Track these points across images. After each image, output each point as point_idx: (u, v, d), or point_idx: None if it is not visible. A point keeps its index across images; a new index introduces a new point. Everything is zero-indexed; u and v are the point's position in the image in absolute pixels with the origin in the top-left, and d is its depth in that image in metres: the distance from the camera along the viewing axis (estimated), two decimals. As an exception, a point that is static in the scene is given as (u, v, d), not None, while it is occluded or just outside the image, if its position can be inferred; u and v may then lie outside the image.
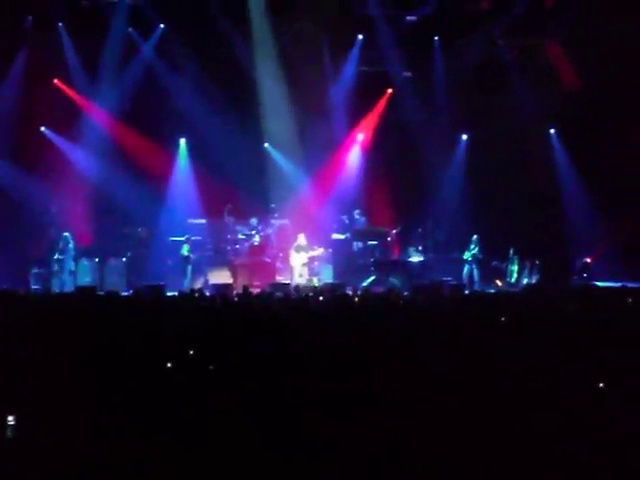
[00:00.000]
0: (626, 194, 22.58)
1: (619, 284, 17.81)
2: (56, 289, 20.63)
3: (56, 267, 21.30)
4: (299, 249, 21.96)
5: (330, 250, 22.86)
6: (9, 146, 22.44)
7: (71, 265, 21.49)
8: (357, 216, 23.50)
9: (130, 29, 23.37)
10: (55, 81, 23.17)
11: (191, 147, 23.95)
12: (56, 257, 21.24)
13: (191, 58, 23.47)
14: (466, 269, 22.01)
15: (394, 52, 24.27)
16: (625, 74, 22.29)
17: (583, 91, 23.39)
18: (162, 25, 23.40)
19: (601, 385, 7.29)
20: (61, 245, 21.34)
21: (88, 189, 23.05)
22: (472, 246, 21.99)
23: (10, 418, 6.28)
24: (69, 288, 20.63)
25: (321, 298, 14.62)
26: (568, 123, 23.52)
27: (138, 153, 23.22)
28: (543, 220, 23.31)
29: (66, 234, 21.48)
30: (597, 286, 18.59)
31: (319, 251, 22.15)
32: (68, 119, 23.21)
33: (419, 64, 24.59)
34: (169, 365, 7.77)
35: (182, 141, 24.02)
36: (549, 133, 24.35)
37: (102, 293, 18.11)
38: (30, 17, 22.60)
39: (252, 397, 6.72)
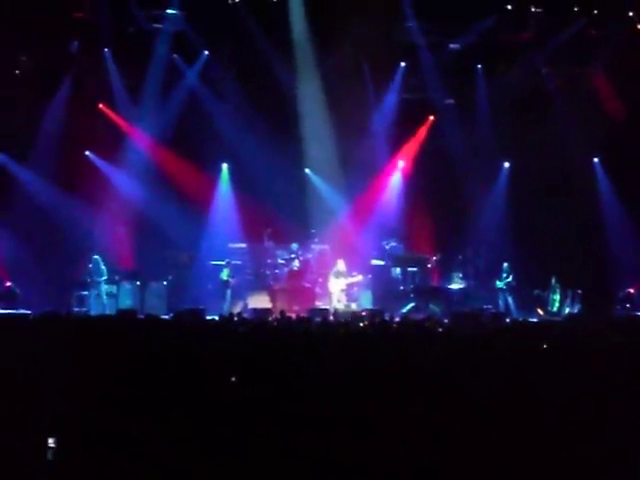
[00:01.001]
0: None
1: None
2: (95, 312, 20.79)
3: (94, 290, 21.55)
4: (338, 275, 21.94)
5: (369, 276, 22.81)
6: (54, 169, 22.73)
7: (104, 288, 21.71)
8: (399, 242, 23.44)
9: (175, 55, 23.62)
10: (100, 105, 23.46)
11: (233, 172, 24.09)
12: (88, 280, 21.47)
13: (234, 84, 23.68)
14: (501, 298, 21.89)
15: (437, 79, 24.26)
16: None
17: (627, 120, 23.22)
18: (206, 52, 23.62)
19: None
20: (92, 268, 21.58)
21: (130, 213, 23.27)
22: (504, 275, 21.87)
23: (51, 440, 6.31)
24: (109, 311, 20.79)
25: (361, 324, 14.58)
26: (612, 152, 23.35)
27: (180, 178, 23.42)
28: (586, 249, 23.09)
29: (96, 257, 21.72)
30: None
31: (358, 278, 22.13)
32: (112, 143, 23.51)
33: (462, 92, 24.55)
34: (206, 391, 7.77)
35: (224, 166, 24.18)
36: (593, 162, 24.15)
37: (142, 316, 18.20)
38: (76, 42, 22.93)
39: (290, 422, 6.69)
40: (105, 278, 21.85)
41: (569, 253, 22.99)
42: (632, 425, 7.04)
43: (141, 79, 23.40)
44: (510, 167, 24.36)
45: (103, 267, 21.82)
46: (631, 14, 22.88)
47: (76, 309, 21.00)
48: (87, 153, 23.36)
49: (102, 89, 23.40)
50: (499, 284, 21.96)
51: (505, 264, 21.96)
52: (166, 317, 18.72)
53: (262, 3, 22.87)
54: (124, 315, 17.69)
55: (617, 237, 23.31)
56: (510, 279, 21.85)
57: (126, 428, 6.51)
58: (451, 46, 24.10)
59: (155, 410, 7.00)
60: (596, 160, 24.11)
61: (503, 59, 23.63)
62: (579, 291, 21.95)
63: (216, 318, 16.40)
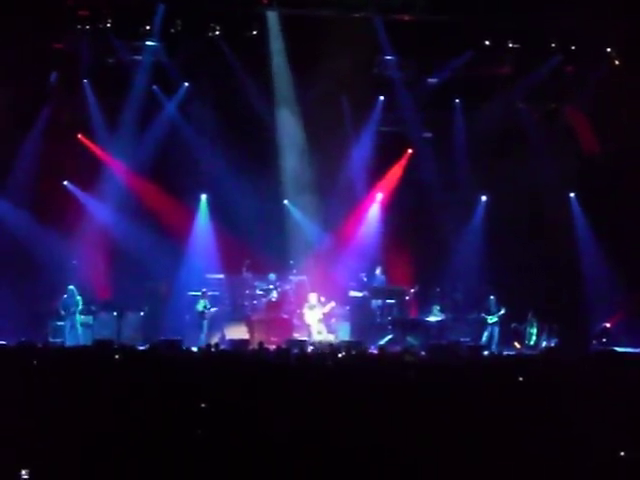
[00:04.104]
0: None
1: (638, 350, 17.65)
2: (70, 342, 20.65)
3: (69, 321, 21.44)
4: (312, 307, 21.93)
5: (348, 307, 22.82)
6: (32, 199, 22.63)
7: (79, 318, 21.60)
8: (378, 274, 23.51)
9: (154, 86, 23.66)
10: (79, 136, 23.44)
11: (211, 203, 24.09)
12: (62, 311, 21.37)
13: (213, 115, 23.72)
14: (488, 331, 21.90)
15: (415, 113, 24.46)
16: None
17: (603, 156, 23.47)
18: (186, 83, 23.69)
19: (622, 453, 7.20)
20: (67, 299, 21.49)
21: (108, 243, 23.20)
22: (494, 309, 21.89)
23: (24, 472, 6.26)
24: (84, 341, 20.65)
25: (339, 355, 14.57)
26: (588, 188, 23.57)
27: (159, 208, 23.42)
28: (562, 283, 23.24)
29: (71, 287, 21.63)
30: (616, 351, 18.40)
31: (331, 305, 22.00)
32: (91, 174, 23.45)
33: (439, 125, 24.75)
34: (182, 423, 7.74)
35: (203, 197, 24.18)
36: (569, 197, 24.34)
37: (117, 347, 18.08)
38: (55, 73, 22.95)
39: (265, 453, 6.67)
40: (80, 308, 21.72)
41: (546, 287, 23.13)
42: (609, 460, 7.07)
43: (120, 110, 23.40)
44: (487, 200, 24.52)
45: (78, 297, 21.70)
46: (609, 50, 23.15)
47: (51, 340, 20.84)
48: (65, 183, 23.30)
49: (81, 120, 23.37)
50: (492, 318, 21.92)
51: (491, 297, 21.99)
52: (142, 348, 18.60)
53: (241, 36, 22.99)
54: (100, 345, 17.58)
55: (593, 271, 23.45)
56: (503, 312, 21.89)
57: (102, 458, 6.47)
58: (429, 80, 24.32)
59: (131, 439, 6.97)
60: (572, 195, 24.30)
61: (480, 94, 23.81)
62: (556, 325, 22.03)
63: (193, 349, 16.35)
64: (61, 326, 21.58)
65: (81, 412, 7.82)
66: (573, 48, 23.28)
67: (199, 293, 22.11)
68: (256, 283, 23.06)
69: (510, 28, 23.05)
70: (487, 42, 23.25)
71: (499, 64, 23.82)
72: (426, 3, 22.33)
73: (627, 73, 22.67)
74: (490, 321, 21.92)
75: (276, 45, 23.17)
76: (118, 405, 8.16)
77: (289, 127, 23.97)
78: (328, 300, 22.14)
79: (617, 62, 23.15)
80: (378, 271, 23.60)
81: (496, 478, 6.34)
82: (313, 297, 22.05)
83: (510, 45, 23.27)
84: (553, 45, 23.25)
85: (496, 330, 21.94)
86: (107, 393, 8.79)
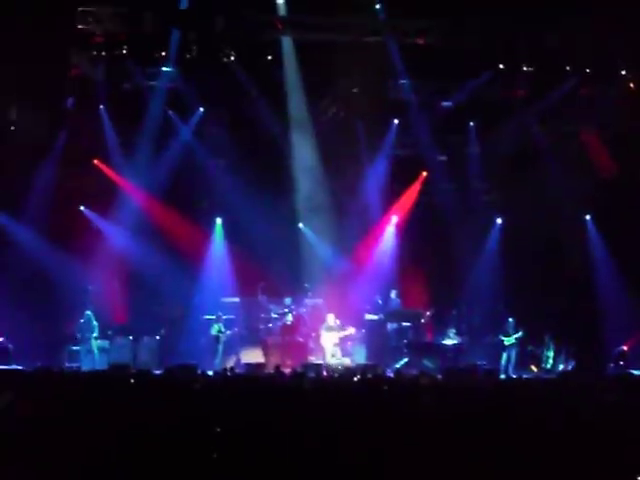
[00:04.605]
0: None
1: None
2: (86, 367, 20.67)
3: (85, 345, 21.49)
4: (329, 329, 21.92)
5: (363, 331, 22.79)
6: (49, 225, 22.73)
7: (95, 343, 21.65)
8: (393, 297, 23.48)
9: (170, 111, 23.80)
10: (95, 161, 23.57)
11: (227, 226, 24.15)
12: (79, 336, 21.42)
13: (228, 140, 23.84)
14: (506, 354, 21.79)
15: (429, 136, 24.48)
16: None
17: (619, 178, 23.42)
18: (201, 109, 23.81)
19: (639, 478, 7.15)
20: (83, 324, 21.56)
21: (124, 268, 23.27)
22: (512, 331, 21.78)
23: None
24: (100, 366, 20.67)
25: (355, 379, 14.53)
26: (604, 209, 23.50)
27: (174, 232, 23.48)
28: (579, 306, 23.13)
29: (88, 312, 21.70)
30: (634, 375, 18.27)
31: (350, 330, 22.07)
32: (107, 199, 23.56)
33: (454, 148, 24.78)
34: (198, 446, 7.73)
35: (218, 220, 24.24)
36: (585, 219, 24.28)
37: (133, 371, 18.09)
38: (72, 98, 23.12)
39: (280, 477, 6.66)
40: (96, 335, 21.79)
41: (562, 310, 23.04)
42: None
43: (136, 135, 23.54)
44: (502, 223, 24.47)
45: (95, 323, 21.78)
46: (623, 72, 23.16)
47: (68, 364, 20.89)
48: (81, 208, 23.42)
49: (97, 145, 23.51)
50: (509, 340, 21.83)
51: (510, 319, 21.90)
52: (158, 372, 18.59)
53: (256, 61, 23.12)
54: (116, 370, 17.60)
55: (610, 294, 23.33)
56: (520, 334, 21.78)
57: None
58: (443, 104, 24.36)
59: (147, 463, 6.97)
60: (588, 217, 24.24)
61: (495, 117, 23.83)
62: (573, 348, 21.91)
63: (209, 373, 16.32)
64: (77, 351, 21.63)
65: (97, 437, 7.82)
66: (588, 71, 23.31)
67: (214, 317, 22.12)
68: (271, 306, 23.07)
69: (525, 52, 23.09)
70: (501, 65, 23.29)
71: (514, 87, 23.86)
72: (440, 29, 22.43)
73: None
74: (507, 343, 21.81)
75: (290, 70, 23.29)
76: (133, 430, 8.16)
77: (304, 151, 24.05)
78: (346, 324, 22.14)
79: (632, 85, 23.15)
80: (393, 294, 23.57)
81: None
82: (331, 318, 22.03)
83: (525, 68, 23.31)
84: (568, 68, 23.29)
85: (513, 353, 21.84)
86: (123, 418, 8.80)
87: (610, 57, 22.97)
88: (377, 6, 22.54)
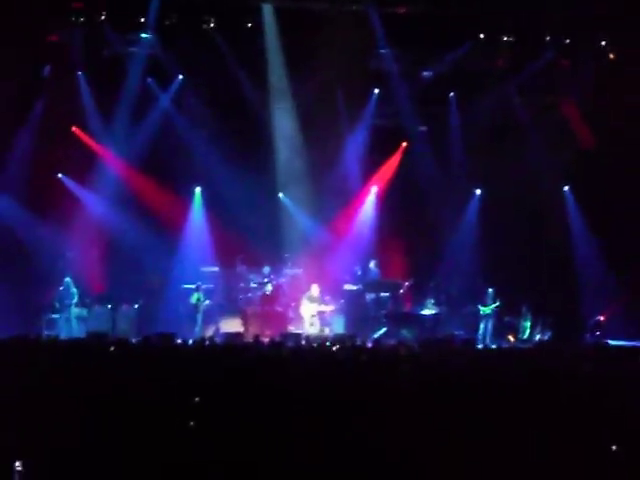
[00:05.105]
0: (640, 252, 22.53)
1: (631, 343, 17.67)
2: (65, 335, 20.62)
3: (64, 313, 21.43)
4: (311, 299, 21.94)
5: (342, 301, 22.83)
6: (25, 192, 22.57)
7: (74, 311, 21.60)
8: (372, 267, 23.53)
9: (149, 79, 23.61)
10: (73, 129, 23.38)
11: (206, 196, 24.08)
12: (58, 304, 21.35)
13: (208, 108, 23.71)
14: (483, 324, 21.93)
15: (410, 106, 24.42)
16: (640, 134, 22.37)
17: (598, 149, 23.48)
18: (180, 76, 23.64)
19: (614, 447, 7.21)
20: (62, 291, 21.49)
21: (103, 236, 23.18)
22: (490, 301, 21.91)
23: (17, 464, 6.26)
24: (78, 334, 20.63)
25: (334, 348, 14.57)
26: (583, 181, 23.59)
27: (153, 201, 23.40)
28: (556, 277, 23.29)
29: (67, 279, 21.62)
30: (609, 345, 18.42)
31: (330, 307, 22.11)
32: (85, 166, 23.40)
33: (435, 119, 24.75)
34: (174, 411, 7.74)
35: (197, 189, 24.15)
36: (563, 190, 24.37)
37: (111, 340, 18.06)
38: (49, 65, 22.87)
39: (259, 447, 6.68)
40: (75, 301, 21.74)
41: (539, 280, 23.18)
42: (602, 455, 7.08)
43: (114, 103, 23.35)
44: (481, 194, 24.52)
45: (74, 290, 21.74)
46: (603, 43, 23.15)
47: (46, 333, 20.82)
48: (59, 176, 23.26)
49: (75, 112, 23.29)
50: (485, 309, 21.96)
51: (490, 290, 22.00)
52: (135, 341, 18.58)
53: (236, 29, 22.93)
54: (94, 338, 17.56)
55: (587, 265, 23.50)
56: (497, 304, 21.91)
57: (96, 450, 6.47)
58: (424, 74, 24.30)
59: (125, 431, 6.97)
60: (566, 188, 24.33)
61: (475, 87, 23.80)
62: (550, 318, 22.07)
63: (188, 342, 16.33)
64: (56, 319, 21.58)
65: (75, 404, 7.81)
66: (568, 42, 23.29)
67: (193, 286, 22.10)
68: (250, 276, 23.07)
69: (505, 22, 23.03)
70: (482, 35, 23.22)
71: (494, 57, 23.82)
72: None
73: (622, 66, 22.66)
74: (483, 312, 21.94)
75: (271, 38, 23.13)
76: (112, 398, 8.16)
77: (284, 120, 23.96)
78: (328, 297, 22.16)
79: (612, 56, 23.15)
80: (372, 264, 23.61)
81: (491, 474, 6.35)
82: (315, 289, 22.02)
83: (505, 39, 23.26)
84: (548, 39, 23.25)
85: (490, 323, 21.98)
86: (101, 385, 8.79)
87: (590, 28, 22.93)
88: (358, -26, 22.41)
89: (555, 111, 24.31)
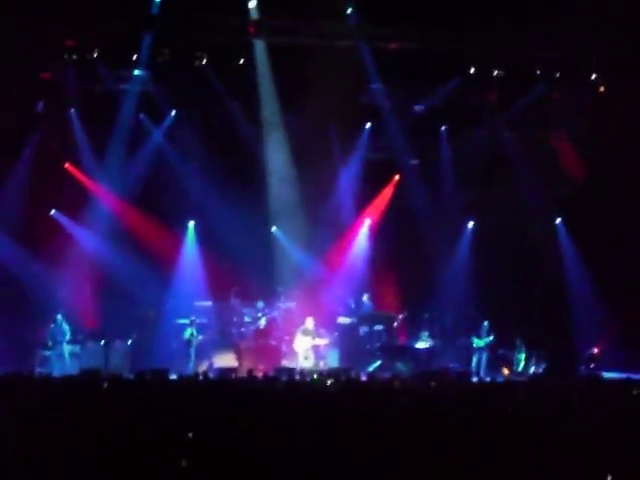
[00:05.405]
0: (633, 285, 22.54)
1: (624, 375, 17.64)
2: (57, 372, 20.50)
3: (56, 350, 21.33)
4: (306, 332, 21.86)
5: (336, 334, 22.78)
6: (19, 228, 22.56)
7: (67, 348, 21.50)
8: (366, 300, 23.53)
9: (141, 115, 23.72)
10: (66, 165, 23.44)
11: (199, 230, 24.10)
12: (50, 341, 21.26)
13: (201, 143, 23.80)
14: (476, 357, 21.89)
15: (402, 140, 24.56)
16: (631, 167, 22.46)
17: (589, 182, 23.57)
18: (173, 111, 23.75)
19: (609, 478, 7.20)
20: (54, 328, 21.41)
21: (96, 271, 23.15)
22: (484, 334, 21.88)
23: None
24: (72, 371, 20.51)
25: (328, 382, 14.53)
26: (574, 213, 23.67)
27: (146, 235, 23.41)
28: (550, 309, 23.29)
29: (59, 316, 21.54)
30: (603, 377, 18.39)
31: (324, 340, 22.04)
32: (78, 203, 23.42)
33: (426, 152, 24.90)
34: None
35: (191, 224, 24.19)
36: (555, 223, 24.45)
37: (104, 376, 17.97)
38: (42, 102, 22.95)
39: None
40: (68, 338, 21.64)
41: (533, 313, 23.17)
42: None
43: (107, 139, 23.42)
44: (474, 226, 24.60)
45: (66, 327, 21.64)
46: (594, 77, 23.33)
47: (39, 369, 20.72)
48: (52, 212, 23.28)
49: (68, 149, 23.38)
50: (479, 342, 21.92)
51: (485, 323, 21.98)
52: (129, 377, 18.49)
53: (228, 64, 23.07)
54: (87, 374, 17.46)
55: (580, 297, 23.51)
56: (492, 338, 21.88)
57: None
58: (416, 108, 24.46)
59: (117, 469, 6.94)
60: (559, 221, 24.41)
61: (466, 121, 23.95)
62: (544, 351, 22.05)
63: (180, 377, 16.23)
64: (48, 356, 21.46)
65: (68, 442, 7.78)
66: (558, 75, 23.46)
67: (187, 321, 22.04)
68: (244, 310, 23.04)
69: (495, 56, 23.21)
70: (472, 70, 23.40)
71: (485, 92, 24.00)
72: (410, 34, 22.51)
73: (613, 99, 22.83)
74: (476, 345, 21.90)
75: (263, 73, 23.27)
76: (105, 434, 8.12)
77: (276, 154, 24.07)
78: (323, 332, 22.12)
79: (602, 89, 23.32)
80: (365, 298, 23.61)
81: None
82: (310, 322, 21.96)
83: (495, 73, 23.42)
84: (538, 72, 23.43)
85: (484, 356, 21.94)
86: (94, 422, 8.75)
87: (579, 62, 23.13)
88: (348, 11, 22.58)
89: (546, 144, 24.45)
